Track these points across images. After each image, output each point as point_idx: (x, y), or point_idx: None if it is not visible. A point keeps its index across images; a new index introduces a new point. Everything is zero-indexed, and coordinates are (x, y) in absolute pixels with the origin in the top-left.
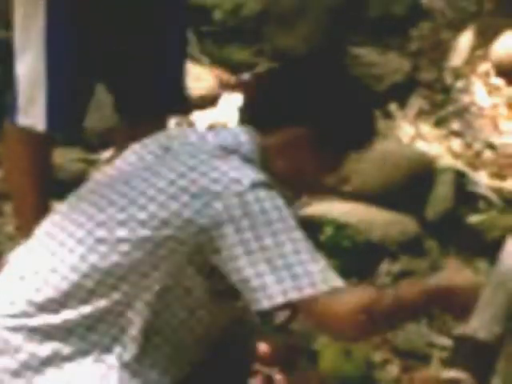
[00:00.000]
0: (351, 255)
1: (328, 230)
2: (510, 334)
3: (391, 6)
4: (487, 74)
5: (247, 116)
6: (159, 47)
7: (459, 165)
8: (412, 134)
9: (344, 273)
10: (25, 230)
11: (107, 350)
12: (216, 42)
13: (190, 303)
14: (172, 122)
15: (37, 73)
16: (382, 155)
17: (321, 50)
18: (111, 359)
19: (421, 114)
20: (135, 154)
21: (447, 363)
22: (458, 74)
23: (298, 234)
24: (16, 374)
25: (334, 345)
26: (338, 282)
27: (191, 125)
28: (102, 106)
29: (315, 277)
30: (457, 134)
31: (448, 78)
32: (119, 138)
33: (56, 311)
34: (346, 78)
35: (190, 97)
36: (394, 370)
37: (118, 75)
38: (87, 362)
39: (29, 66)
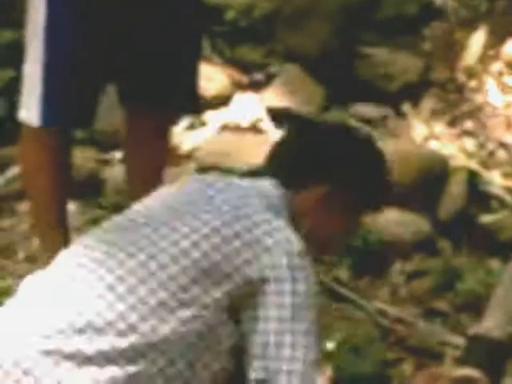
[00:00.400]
0: (364, 254)
1: None
2: None
3: (404, 5)
4: (500, 73)
5: (273, 172)
6: (171, 44)
7: (472, 164)
8: (425, 134)
9: (356, 272)
10: (40, 229)
11: None
12: (228, 41)
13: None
14: (184, 122)
15: (35, 69)
16: (395, 155)
17: (333, 50)
18: None
19: (434, 114)
20: (186, 187)
21: (460, 362)
22: (470, 74)
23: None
24: None
25: (347, 344)
26: None
27: (203, 124)
28: (115, 107)
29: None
30: (470, 133)
31: (461, 78)
32: (124, 132)
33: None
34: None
35: (201, 96)
36: (407, 368)
37: (124, 70)
38: None
39: (29, 63)
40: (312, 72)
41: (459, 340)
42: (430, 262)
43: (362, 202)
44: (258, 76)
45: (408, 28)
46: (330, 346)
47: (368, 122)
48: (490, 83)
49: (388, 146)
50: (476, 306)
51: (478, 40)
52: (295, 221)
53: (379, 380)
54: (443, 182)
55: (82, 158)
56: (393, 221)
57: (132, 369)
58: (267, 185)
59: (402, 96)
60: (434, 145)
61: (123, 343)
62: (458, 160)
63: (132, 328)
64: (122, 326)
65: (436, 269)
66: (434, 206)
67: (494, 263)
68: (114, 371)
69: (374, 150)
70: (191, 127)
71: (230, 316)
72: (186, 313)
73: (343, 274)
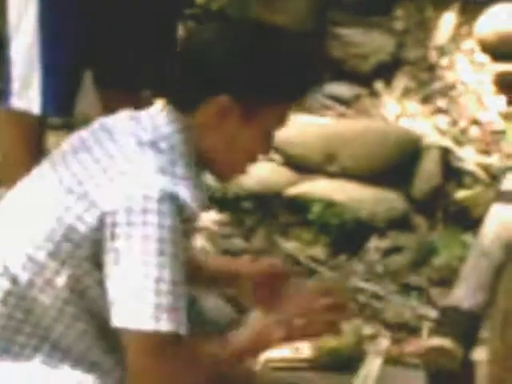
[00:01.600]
0: (339, 233)
1: (316, 209)
2: (493, 302)
3: None
4: (472, 51)
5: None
6: (145, 27)
7: (445, 141)
8: (398, 112)
9: (333, 250)
10: None
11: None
12: (199, 24)
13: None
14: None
15: (31, 56)
16: (368, 133)
17: (307, 30)
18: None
19: (407, 92)
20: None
21: (433, 333)
22: (442, 52)
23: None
24: None
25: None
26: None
27: None
28: (89, 91)
29: (151, 312)
30: (442, 111)
31: (433, 56)
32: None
33: None
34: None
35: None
36: (384, 342)
37: (101, 55)
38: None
39: (23, 49)
40: None
41: (435, 313)
42: (405, 238)
43: (268, 100)
44: None
45: (380, 7)
46: None
47: (341, 101)
48: (462, 61)
49: (360, 125)
50: (451, 280)
51: (449, 19)
52: (191, 146)
53: (355, 355)
54: (417, 159)
55: (56, 143)
56: (368, 198)
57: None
58: (157, 119)
59: (375, 75)
60: (406, 123)
61: None
62: (432, 137)
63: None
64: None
65: (411, 245)
66: (408, 184)
67: (469, 238)
68: None
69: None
70: None
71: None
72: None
73: (320, 252)
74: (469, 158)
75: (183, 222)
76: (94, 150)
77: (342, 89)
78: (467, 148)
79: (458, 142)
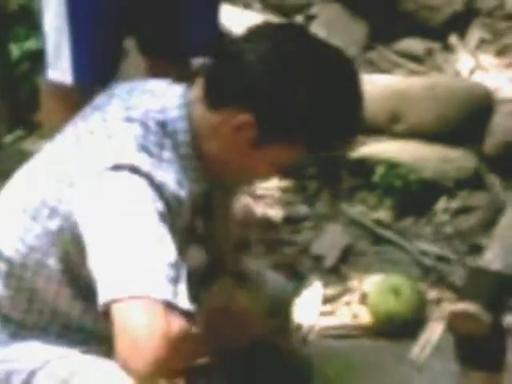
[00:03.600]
0: (405, 195)
1: (380, 171)
2: None
3: None
4: None
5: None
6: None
7: None
8: (472, 66)
9: (399, 213)
10: None
11: None
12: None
13: None
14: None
15: (59, 26)
16: (437, 90)
17: None
18: None
19: (482, 45)
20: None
21: (461, 296)
22: None
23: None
24: None
25: (381, 282)
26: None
27: None
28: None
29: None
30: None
31: (510, 4)
32: None
33: None
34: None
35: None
36: (449, 307)
37: (143, 23)
38: None
39: (52, 20)
40: (353, 10)
41: None
42: (476, 197)
43: (289, 141)
44: (299, 19)
45: None
46: (369, 286)
47: (414, 57)
48: None
49: (428, 81)
50: None
51: None
52: (195, 139)
53: (416, 320)
54: (489, 114)
55: None
56: (435, 158)
57: None
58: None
59: (448, 28)
60: (480, 77)
61: None
62: (506, 91)
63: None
64: None
65: (483, 204)
66: (480, 141)
67: None
68: None
69: (331, 78)
70: None
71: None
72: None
73: (385, 215)
74: None
75: (164, 203)
76: (79, 126)
77: (413, 44)
78: None
79: None
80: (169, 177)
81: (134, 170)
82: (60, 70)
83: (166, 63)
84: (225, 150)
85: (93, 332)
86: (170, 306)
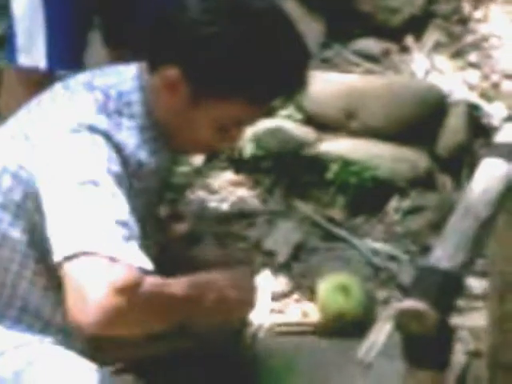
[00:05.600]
0: (358, 193)
1: (334, 168)
2: (472, 264)
3: None
4: (507, 2)
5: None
6: None
7: (474, 97)
8: (427, 68)
9: (351, 211)
10: None
11: None
12: None
13: None
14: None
15: (34, 10)
16: (391, 89)
17: None
18: None
19: (437, 47)
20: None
21: (409, 294)
22: (476, 4)
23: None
24: None
25: (331, 281)
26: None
27: None
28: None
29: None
30: (474, 65)
31: (466, 9)
32: None
33: None
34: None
35: None
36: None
37: (109, 9)
38: None
39: (24, 3)
40: (310, 7)
41: None
42: (428, 197)
43: (225, 92)
44: None
45: None
46: (318, 284)
47: (370, 57)
48: (496, 13)
49: (383, 81)
50: None
51: None
52: (149, 110)
53: (365, 320)
54: (443, 116)
55: None
56: (389, 157)
57: None
58: (125, 75)
59: (405, 30)
60: (435, 78)
61: None
62: (460, 93)
63: None
64: None
65: (434, 205)
66: (433, 142)
67: None
68: None
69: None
70: None
71: None
72: None
73: (337, 213)
74: (498, 114)
75: (121, 162)
76: (43, 97)
77: (370, 44)
78: (497, 104)
79: (488, 98)
80: (127, 139)
81: (92, 128)
82: (34, 55)
83: (129, 54)
84: (170, 114)
85: (50, 321)
86: (117, 261)
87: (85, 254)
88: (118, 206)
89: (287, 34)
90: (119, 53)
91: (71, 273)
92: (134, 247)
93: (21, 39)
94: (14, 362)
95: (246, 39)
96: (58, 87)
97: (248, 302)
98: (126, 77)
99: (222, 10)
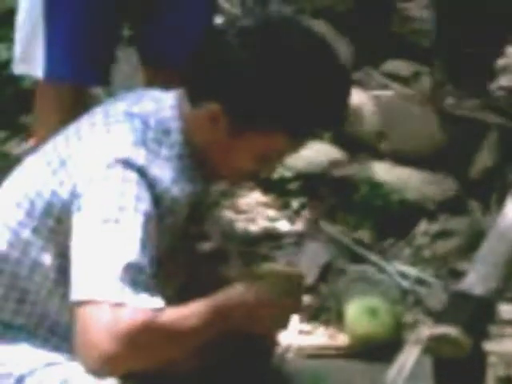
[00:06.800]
0: (386, 216)
1: (362, 190)
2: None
3: None
4: None
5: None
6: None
7: (505, 120)
8: None
9: (379, 234)
10: None
11: None
12: (256, 1)
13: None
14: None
15: (34, 19)
16: (421, 113)
17: (363, 4)
18: None
19: None
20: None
21: (441, 319)
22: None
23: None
24: None
25: (359, 303)
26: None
27: None
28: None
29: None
30: (504, 89)
31: None
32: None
33: None
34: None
35: None
36: (425, 331)
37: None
38: None
39: (26, 11)
40: (341, 29)
41: None
42: (456, 222)
43: (268, 126)
44: None
45: None
46: (346, 307)
47: (400, 79)
48: None
49: (417, 103)
50: None
51: None
52: (188, 138)
53: (392, 343)
54: (474, 139)
55: None
56: (417, 179)
57: None
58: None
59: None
60: None
61: None
62: (492, 116)
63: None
64: None
65: (462, 229)
66: (462, 165)
67: None
68: None
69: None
70: None
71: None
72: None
73: (365, 235)
74: None
75: (156, 198)
76: (82, 124)
77: (400, 66)
78: None
79: None
80: (164, 173)
81: (128, 163)
82: (30, 63)
83: (167, 73)
84: (210, 145)
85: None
86: (123, 306)
87: (93, 301)
88: (135, 246)
89: (327, 68)
90: (154, 71)
91: (80, 318)
92: (143, 290)
93: (19, 47)
94: (48, 381)
95: (284, 74)
96: (97, 114)
97: (280, 322)
98: (164, 104)
99: (261, 45)
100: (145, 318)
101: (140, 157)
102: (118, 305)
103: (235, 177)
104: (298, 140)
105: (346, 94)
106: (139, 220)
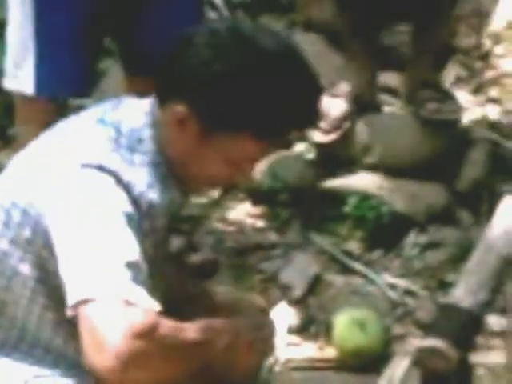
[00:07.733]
0: (376, 227)
1: (352, 202)
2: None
3: None
4: None
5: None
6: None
7: (494, 133)
8: None
9: (369, 245)
10: None
11: None
12: (248, 12)
13: None
14: None
15: (24, 38)
16: (410, 123)
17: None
18: None
19: (458, 82)
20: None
21: (429, 332)
22: (497, 40)
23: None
24: None
25: (348, 315)
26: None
27: None
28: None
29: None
30: (494, 100)
31: (487, 44)
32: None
33: None
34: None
35: None
36: (414, 343)
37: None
38: None
39: (16, 31)
40: (335, 42)
41: None
42: (446, 233)
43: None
44: None
45: None
46: (335, 319)
47: (389, 90)
48: None
49: (405, 114)
50: None
51: (505, 5)
52: (161, 147)
53: (381, 355)
54: (462, 151)
55: None
56: (406, 191)
57: None
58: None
59: None
60: None
61: None
62: (480, 128)
63: None
64: None
65: (452, 240)
66: (452, 177)
67: None
68: None
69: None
70: None
71: None
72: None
73: (354, 247)
74: None
75: (131, 202)
76: (54, 131)
77: (389, 77)
78: None
79: (508, 134)
80: (138, 178)
81: (102, 168)
82: (20, 79)
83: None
84: (181, 150)
85: (62, 354)
86: (131, 304)
87: (99, 298)
88: (129, 246)
89: (294, 70)
90: (139, 80)
91: (86, 316)
92: (144, 289)
93: (9, 64)
94: None
95: (250, 75)
96: (71, 121)
97: (265, 348)
98: (138, 112)
99: (228, 46)
100: (156, 319)
101: (113, 163)
102: (127, 302)
103: (209, 184)
104: (265, 142)
105: (312, 96)
106: (123, 220)
